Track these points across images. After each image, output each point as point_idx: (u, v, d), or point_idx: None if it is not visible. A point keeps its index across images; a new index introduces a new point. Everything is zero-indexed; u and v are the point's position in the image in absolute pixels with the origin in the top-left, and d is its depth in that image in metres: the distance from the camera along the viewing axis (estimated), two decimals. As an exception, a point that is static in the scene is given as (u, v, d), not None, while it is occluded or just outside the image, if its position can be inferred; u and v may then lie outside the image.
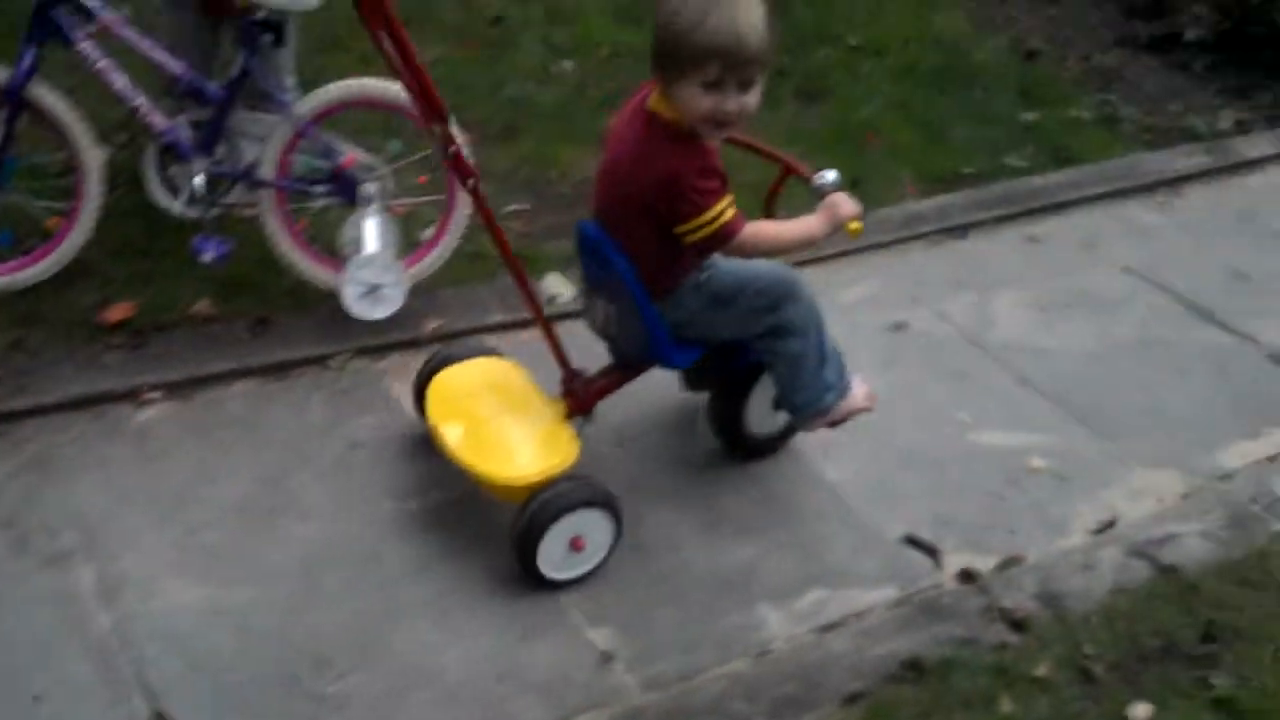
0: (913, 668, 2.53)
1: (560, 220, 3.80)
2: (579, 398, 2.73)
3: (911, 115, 4.82)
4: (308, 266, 3.28)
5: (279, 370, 3.15)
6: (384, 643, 2.46)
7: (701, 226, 2.41)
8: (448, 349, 2.91)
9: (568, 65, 4.66)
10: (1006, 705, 2.47)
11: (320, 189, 3.26)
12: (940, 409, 3.34)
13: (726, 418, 2.98)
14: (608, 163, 2.57)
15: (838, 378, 2.78)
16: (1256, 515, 3.08)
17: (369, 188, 3.23)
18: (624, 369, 2.80)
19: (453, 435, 2.65)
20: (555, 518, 2.52)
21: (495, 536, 2.71)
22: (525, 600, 2.59)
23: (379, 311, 3.18)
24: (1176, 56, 5.86)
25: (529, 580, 2.60)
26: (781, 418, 2.99)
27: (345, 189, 3.24)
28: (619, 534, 2.65)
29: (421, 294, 3.35)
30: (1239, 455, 3.32)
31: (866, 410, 2.92)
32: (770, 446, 3.07)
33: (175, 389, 3.04)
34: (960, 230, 4.17)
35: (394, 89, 3.19)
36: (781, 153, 2.85)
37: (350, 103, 3.25)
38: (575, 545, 2.59)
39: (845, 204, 2.66)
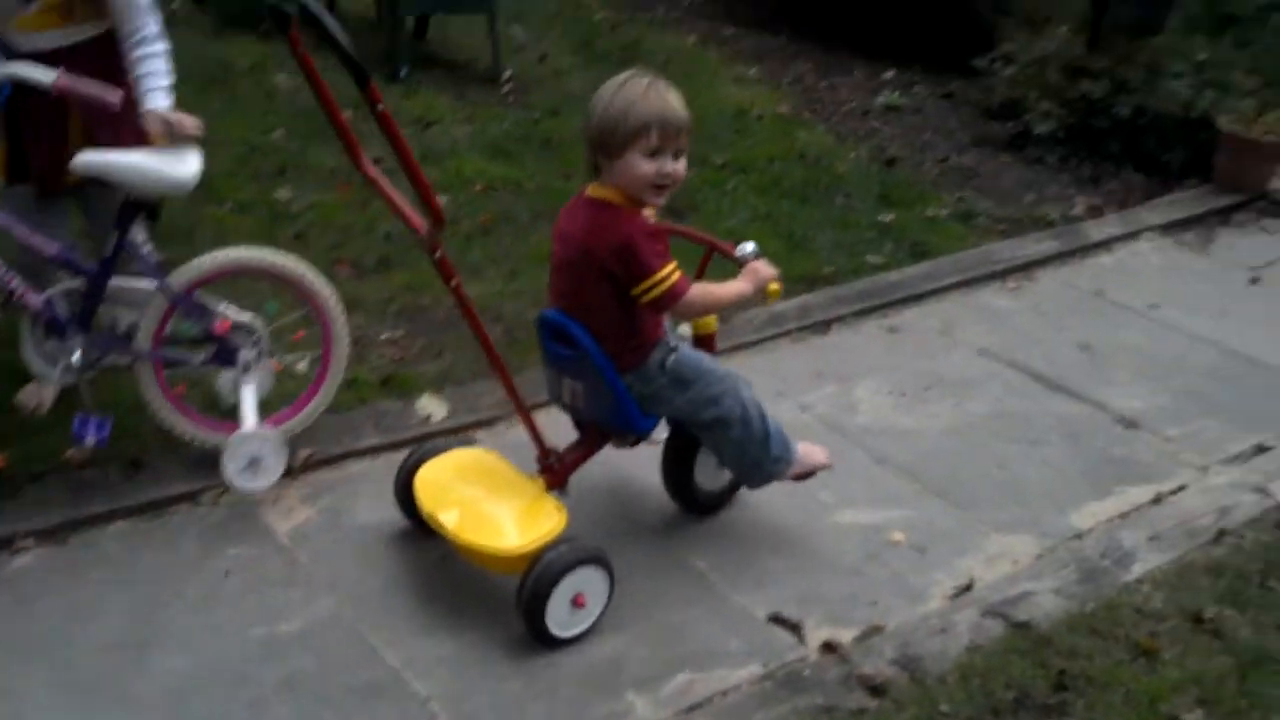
0: (773, 739, 2.61)
1: (433, 342, 3.94)
2: (555, 472, 3.01)
3: (776, 225, 5.05)
4: (189, 429, 3.32)
5: (153, 509, 3.20)
6: (253, 761, 2.51)
7: (655, 286, 2.72)
8: (423, 447, 3.14)
9: (442, 200, 4.82)
10: (863, 766, 2.55)
11: (198, 358, 3.30)
12: (803, 492, 3.44)
13: (678, 479, 3.27)
14: (560, 254, 2.87)
15: (783, 450, 3.06)
16: (1106, 569, 3.22)
17: (246, 354, 3.29)
18: (590, 441, 3.07)
19: (450, 520, 2.84)
20: (558, 579, 2.76)
21: (362, 651, 2.79)
22: (393, 711, 2.64)
23: (260, 483, 3.23)
24: (1031, 152, 6.21)
25: (539, 643, 2.80)
26: (728, 474, 3.28)
27: (223, 355, 3.29)
28: (613, 586, 2.88)
29: (295, 423, 3.44)
30: (1091, 515, 3.48)
31: (827, 467, 3.23)
32: (722, 500, 3.35)
33: (49, 535, 3.08)
34: (822, 326, 4.36)
35: (267, 256, 3.28)
36: (706, 234, 3.19)
37: (225, 272, 3.27)
38: (577, 602, 2.82)
39: (765, 268, 2.99)
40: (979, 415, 3.92)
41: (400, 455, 3.45)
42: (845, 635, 2.96)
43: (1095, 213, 5.61)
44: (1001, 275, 4.84)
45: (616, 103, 2.69)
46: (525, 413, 2.99)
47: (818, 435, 3.71)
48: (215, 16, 6.51)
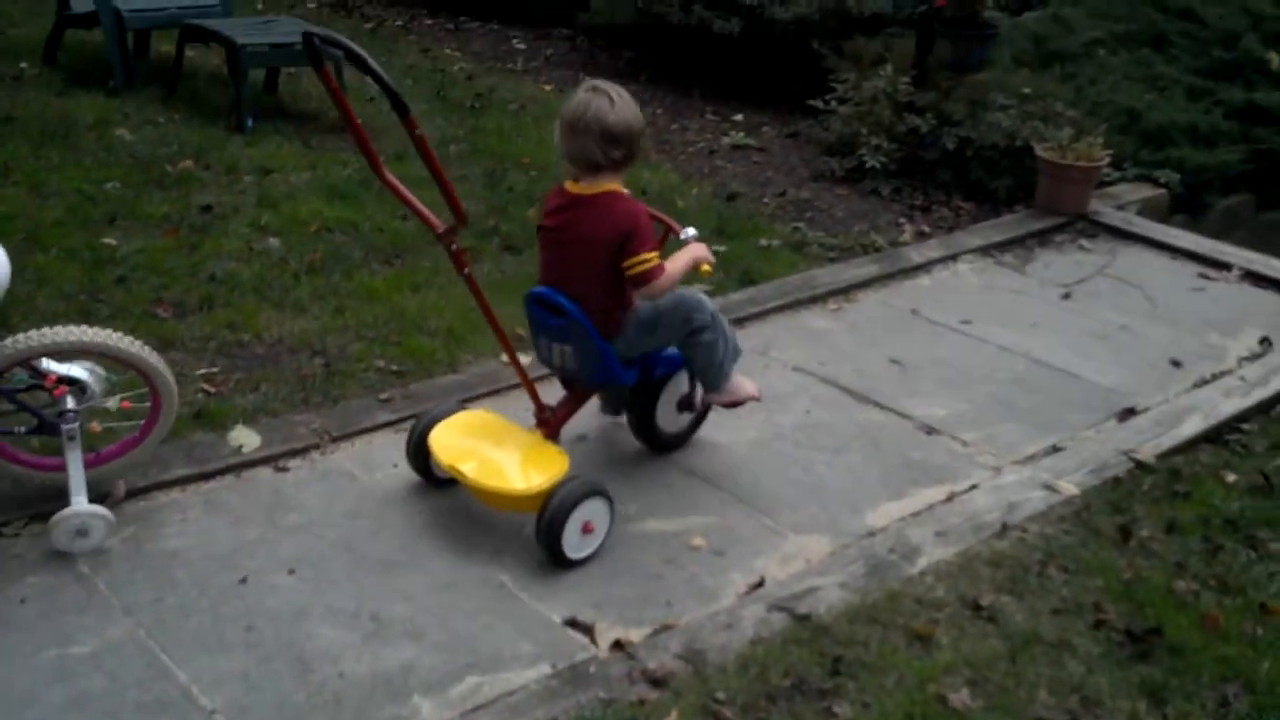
0: (549, 732, 2.69)
1: (249, 376, 4.00)
2: (550, 424, 3.50)
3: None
4: (21, 472, 3.33)
5: (-46, 543, 3.22)
6: (32, 779, 2.53)
7: (644, 261, 3.25)
8: (428, 414, 3.54)
9: (274, 242, 4.91)
10: (635, 753, 2.65)
11: (21, 429, 3.29)
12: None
13: (643, 423, 3.78)
14: (556, 247, 3.38)
15: (734, 357, 3.65)
16: (892, 563, 3.37)
17: (72, 426, 3.24)
18: (577, 396, 3.57)
19: (470, 469, 3.29)
20: (570, 510, 3.21)
21: (153, 669, 2.83)
22: (179, 724, 2.70)
23: (87, 545, 3.20)
24: (866, 185, 6.43)
25: (557, 566, 3.25)
26: (685, 418, 3.86)
27: (47, 427, 3.27)
28: (614, 514, 3.35)
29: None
30: (885, 515, 3.64)
31: (756, 399, 3.76)
32: (681, 440, 3.89)
33: None
34: (644, 350, 4.48)
35: (87, 333, 3.23)
36: (662, 214, 3.63)
37: (44, 353, 3.22)
38: (586, 529, 3.28)
39: (701, 249, 3.51)
40: (787, 427, 4.07)
41: (210, 485, 3.55)
42: (637, 634, 3.06)
43: (922, 238, 5.84)
44: (823, 298, 5.02)
45: (635, 111, 3.24)
46: (525, 376, 3.49)
47: (628, 448, 3.85)
48: (65, 74, 6.56)
